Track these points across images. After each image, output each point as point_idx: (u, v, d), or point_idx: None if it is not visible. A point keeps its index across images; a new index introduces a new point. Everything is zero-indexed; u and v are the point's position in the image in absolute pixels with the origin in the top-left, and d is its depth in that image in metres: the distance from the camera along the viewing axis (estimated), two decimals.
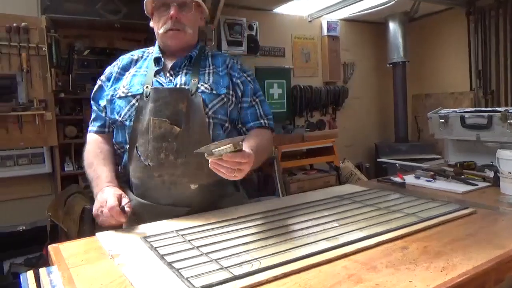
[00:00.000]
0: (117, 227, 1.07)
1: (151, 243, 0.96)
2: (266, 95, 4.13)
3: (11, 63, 2.45)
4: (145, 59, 1.31)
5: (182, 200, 1.19)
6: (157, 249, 0.92)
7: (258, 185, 3.34)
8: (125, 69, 1.29)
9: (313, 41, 4.55)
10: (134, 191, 1.22)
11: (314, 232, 1.00)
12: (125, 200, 1.07)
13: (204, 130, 1.19)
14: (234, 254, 0.87)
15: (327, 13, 4.33)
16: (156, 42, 1.32)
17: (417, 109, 4.97)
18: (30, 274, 0.86)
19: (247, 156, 0.97)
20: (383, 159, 3.23)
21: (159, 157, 1.15)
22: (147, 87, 1.19)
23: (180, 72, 1.24)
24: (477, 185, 1.53)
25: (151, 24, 1.31)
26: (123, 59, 1.32)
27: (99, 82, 1.32)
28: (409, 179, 1.68)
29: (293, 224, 1.09)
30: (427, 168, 1.81)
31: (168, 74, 1.23)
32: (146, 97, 1.17)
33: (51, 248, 0.97)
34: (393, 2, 4.02)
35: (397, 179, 1.70)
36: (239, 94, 1.29)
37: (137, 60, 1.31)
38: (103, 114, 1.29)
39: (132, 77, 1.24)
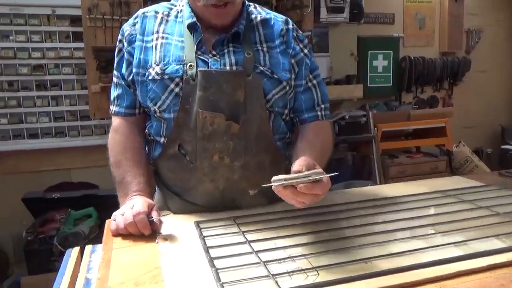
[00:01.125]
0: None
1: (202, 230, 0.86)
2: (369, 67, 3.73)
3: (114, 36, 2.58)
4: (175, 20, 0.99)
5: (239, 204, 1.00)
6: (205, 238, 0.81)
7: (352, 166, 3.06)
8: (150, 32, 0.97)
9: (430, 5, 3.92)
10: (175, 193, 1.02)
11: (399, 239, 0.78)
12: (155, 214, 0.86)
13: (264, 123, 0.96)
14: (289, 257, 0.71)
15: None
16: (186, 0, 0.99)
17: None
18: (75, 250, 0.83)
19: (326, 187, 0.73)
20: (510, 146, 2.65)
21: (212, 160, 0.93)
22: (191, 66, 0.91)
23: (226, 48, 0.95)
24: None
25: None
26: (144, 16, 0.99)
27: (119, 46, 1.01)
28: None
29: (374, 224, 0.88)
30: None
31: (210, 55, 0.94)
32: (193, 80, 0.91)
33: (108, 222, 0.93)
34: None
35: None
36: (303, 72, 1.03)
37: (162, 20, 0.99)
38: (131, 90, 1.01)
39: (165, 48, 0.95)
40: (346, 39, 3.62)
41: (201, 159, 0.93)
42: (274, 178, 0.73)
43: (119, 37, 1.01)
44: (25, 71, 2.66)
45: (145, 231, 0.83)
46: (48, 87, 2.74)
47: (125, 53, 1.00)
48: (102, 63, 2.56)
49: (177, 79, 0.92)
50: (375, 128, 3.16)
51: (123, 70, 1.00)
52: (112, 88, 1.05)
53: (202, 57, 0.93)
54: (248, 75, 0.92)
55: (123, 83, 1.01)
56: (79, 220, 2.46)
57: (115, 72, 1.02)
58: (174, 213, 1.00)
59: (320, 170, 0.73)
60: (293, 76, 1.01)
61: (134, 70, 0.97)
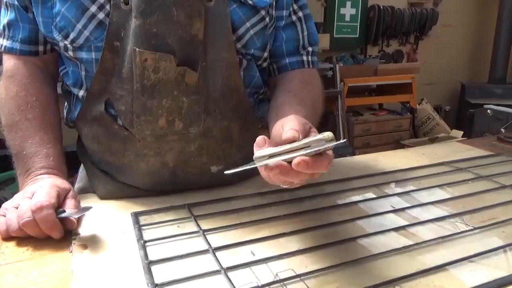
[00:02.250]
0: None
1: (142, 228, 0.58)
2: (336, 15, 3.44)
3: None
4: None
5: (194, 186, 0.73)
6: (146, 244, 0.53)
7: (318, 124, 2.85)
8: None
9: None
10: (105, 172, 0.71)
11: (427, 243, 0.55)
12: (70, 205, 0.58)
13: (233, 71, 0.66)
14: (277, 282, 0.45)
15: None
16: None
17: None
18: None
19: (330, 162, 0.45)
20: (492, 106, 2.55)
21: (157, 125, 0.63)
22: None
23: None
24: None
25: None
26: None
27: None
28: None
29: (383, 214, 0.64)
30: None
31: None
32: (126, 3, 0.60)
33: None
34: None
35: None
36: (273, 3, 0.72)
37: None
38: (29, 14, 0.67)
39: None
40: None
41: (140, 124, 0.63)
42: (257, 154, 0.47)
43: None
44: None
45: (53, 234, 0.55)
46: None
47: None
48: None
49: (101, 0, 0.60)
50: (342, 83, 2.93)
51: None
52: (2, 12, 0.69)
53: None
54: (210, 1, 0.62)
55: (16, 2, 0.66)
56: (1, 185, 2.07)
57: None
58: (102, 199, 0.71)
59: (320, 136, 0.45)
60: (273, 3, 0.71)
61: None
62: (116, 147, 0.67)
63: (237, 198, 0.69)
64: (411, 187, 0.76)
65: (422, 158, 0.94)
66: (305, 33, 0.78)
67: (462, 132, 3.17)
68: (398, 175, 0.83)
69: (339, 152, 1.89)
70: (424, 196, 0.72)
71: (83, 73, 0.66)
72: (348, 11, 3.48)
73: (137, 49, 0.59)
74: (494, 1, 3.86)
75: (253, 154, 0.48)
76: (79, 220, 0.59)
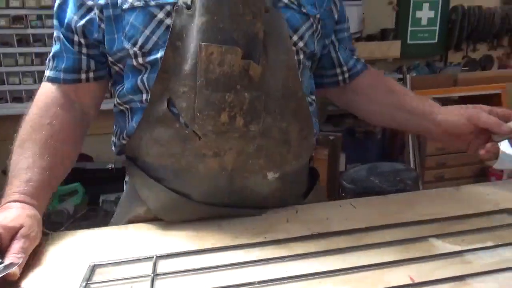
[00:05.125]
0: None
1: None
2: (410, 20, 3.12)
3: None
4: None
5: (249, 199, 0.72)
6: None
7: (381, 141, 2.59)
8: None
9: None
10: (159, 181, 0.71)
11: None
12: (14, 248, 0.53)
13: (292, 73, 0.70)
14: None
15: None
16: None
17: None
18: None
19: None
20: None
21: (219, 120, 0.64)
22: None
23: None
24: None
25: None
26: None
27: None
28: None
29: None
30: None
31: None
32: (188, 8, 0.65)
33: None
34: None
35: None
36: (335, 16, 0.80)
37: None
38: (74, 46, 0.72)
39: None
40: None
41: (202, 120, 0.65)
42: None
43: None
44: (3, 23, 2.34)
45: None
46: (31, 42, 2.41)
47: None
48: None
49: (168, 7, 0.66)
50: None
51: (69, 14, 0.71)
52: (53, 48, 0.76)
53: None
54: (266, 11, 0.67)
55: (61, 35, 0.73)
56: (64, 196, 2.22)
57: (55, 21, 0.74)
58: (154, 211, 0.71)
59: None
60: (318, 15, 0.76)
61: (100, 2, 0.68)
62: (175, 148, 0.68)
63: (215, 251, 0.58)
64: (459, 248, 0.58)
65: (478, 202, 0.73)
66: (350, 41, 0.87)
67: None
68: (439, 226, 0.64)
69: (398, 177, 1.65)
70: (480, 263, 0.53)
71: (146, 75, 0.68)
72: (425, 14, 3.13)
73: (203, 43, 0.63)
74: None
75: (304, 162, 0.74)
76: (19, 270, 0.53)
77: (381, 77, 0.89)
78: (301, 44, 0.72)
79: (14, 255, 0.52)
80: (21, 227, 0.56)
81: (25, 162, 0.65)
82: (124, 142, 0.75)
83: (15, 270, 0.51)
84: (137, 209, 0.73)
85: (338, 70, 0.85)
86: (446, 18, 3.18)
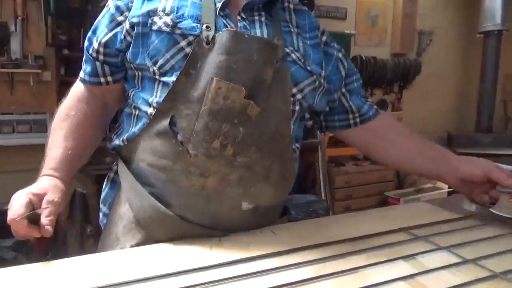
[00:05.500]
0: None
1: None
2: None
3: (3, 9, 2.04)
4: None
5: (220, 221, 0.76)
6: None
7: (297, 178, 2.73)
8: None
9: (383, 2, 3.73)
10: (145, 188, 0.77)
11: None
12: (47, 211, 0.67)
13: (285, 121, 0.79)
14: None
15: None
16: None
17: (508, 92, 3.99)
18: None
19: None
20: (465, 151, 2.47)
21: (211, 145, 0.71)
22: (208, 27, 0.75)
23: (255, 20, 0.82)
24: None
25: None
26: None
27: (108, 4, 0.85)
28: None
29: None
30: None
31: (239, 18, 0.80)
32: (207, 43, 0.73)
33: None
34: None
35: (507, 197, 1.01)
36: (343, 73, 0.92)
37: None
38: (95, 57, 0.84)
39: (179, 2, 0.79)
40: None
41: (196, 142, 0.72)
42: None
43: None
44: None
45: (33, 234, 0.65)
46: None
47: (110, 7, 0.83)
48: None
49: (191, 38, 0.75)
50: (322, 133, 2.85)
51: (100, 27, 0.83)
52: None
53: (224, 21, 0.78)
54: (277, 62, 0.76)
55: (88, 44, 0.85)
56: None
57: (91, 34, 0.86)
58: (136, 214, 0.78)
59: None
60: (323, 74, 0.87)
61: (133, 20, 0.78)
62: (168, 161, 0.74)
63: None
64: (357, 263, 0.63)
65: (382, 223, 0.81)
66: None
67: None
68: (347, 245, 0.69)
69: (311, 208, 1.74)
70: (365, 278, 0.58)
71: (158, 92, 0.77)
72: None
73: (216, 78, 0.71)
74: (477, 51, 3.90)
75: (282, 199, 0.82)
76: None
77: (396, 122, 0.98)
78: (299, 96, 0.82)
79: (45, 218, 0.65)
80: (45, 194, 0.69)
81: (53, 144, 0.80)
82: (122, 144, 0.82)
83: (49, 228, 0.64)
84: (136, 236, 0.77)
85: (351, 116, 0.93)
86: None
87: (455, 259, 0.65)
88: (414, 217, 0.85)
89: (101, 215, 0.91)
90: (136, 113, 0.82)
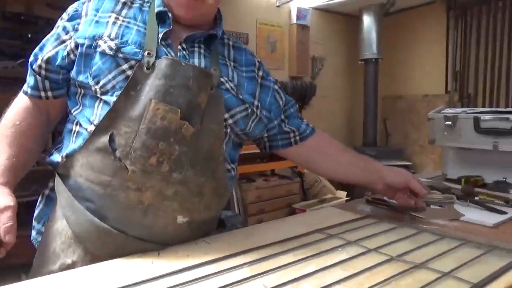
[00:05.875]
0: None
1: None
2: None
3: None
4: (139, 8, 0.89)
5: (157, 235, 0.79)
6: None
7: None
8: (107, 11, 0.86)
9: (280, 29, 4.07)
10: (82, 203, 0.77)
11: None
12: (4, 218, 0.70)
13: (218, 142, 0.85)
14: None
15: None
16: None
17: (387, 112, 4.65)
18: None
19: None
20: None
21: (148, 161, 0.76)
22: (149, 54, 0.81)
23: (195, 51, 0.88)
24: (506, 212, 1.10)
25: None
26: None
27: (58, 23, 0.89)
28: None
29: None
30: (431, 186, 1.35)
31: (180, 48, 0.87)
32: (148, 68, 0.79)
33: None
34: None
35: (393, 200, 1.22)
36: (280, 103, 1.02)
37: (124, 4, 0.88)
38: (37, 72, 0.87)
39: (124, 29, 0.84)
40: None
41: (134, 158, 0.76)
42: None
43: (64, 15, 0.90)
44: None
45: None
46: None
47: (59, 26, 0.88)
48: None
49: (133, 62, 0.81)
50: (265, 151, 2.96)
51: (47, 45, 0.88)
52: None
53: (165, 49, 0.84)
54: (212, 88, 0.84)
55: (34, 59, 0.88)
56: None
57: (38, 50, 0.89)
58: (73, 229, 0.78)
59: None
60: (256, 103, 0.95)
61: (78, 41, 0.83)
62: (105, 177, 0.76)
63: None
64: (288, 260, 0.72)
65: (299, 227, 0.91)
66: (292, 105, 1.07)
67: (345, 193, 3.40)
68: (275, 247, 0.78)
69: (229, 223, 1.81)
70: (298, 270, 0.66)
71: (98, 111, 0.80)
72: None
73: (154, 100, 0.76)
74: (360, 72, 4.47)
75: (213, 214, 0.88)
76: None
77: (330, 138, 1.09)
78: (230, 121, 0.88)
79: (3, 226, 0.69)
80: (11, 206, 0.72)
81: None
82: (61, 160, 0.83)
83: (9, 237, 0.67)
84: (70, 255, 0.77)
85: (291, 135, 1.04)
86: None
87: (362, 250, 0.78)
88: (324, 220, 0.98)
89: (34, 232, 0.89)
90: (77, 129, 0.84)
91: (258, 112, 0.95)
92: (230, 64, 0.93)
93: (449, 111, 1.54)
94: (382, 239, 0.85)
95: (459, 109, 1.55)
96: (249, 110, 0.92)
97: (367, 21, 4.17)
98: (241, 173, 3.07)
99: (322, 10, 4.36)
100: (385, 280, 0.64)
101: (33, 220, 0.90)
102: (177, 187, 0.78)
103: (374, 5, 4.07)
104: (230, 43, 0.98)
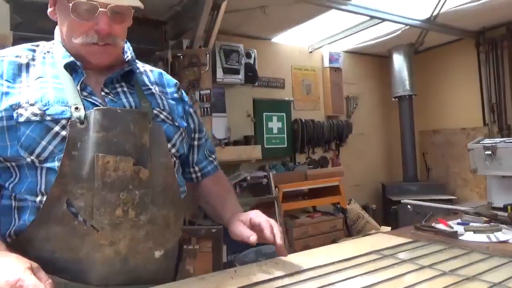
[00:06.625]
0: None
1: None
2: (265, 129, 3.79)
3: None
4: (43, 63, 0.86)
5: (140, 276, 0.82)
6: None
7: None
8: (12, 78, 0.81)
9: (314, 73, 4.29)
10: (55, 276, 0.72)
11: None
12: (43, 276, 0.65)
13: (170, 172, 0.88)
14: None
15: (328, 43, 4.11)
16: (57, 40, 0.89)
17: (425, 146, 4.65)
18: None
19: None
20: (407, 201, 2.83)
21: (114, 214, 0.76)
22: (76, 108, 0.78)
23: (119, 88, 0.89)
24: None
25: (50, 12, 0.88)
26: (4, 62, 0.82)
27: None
28: (456, 227, 1.28)
29: None
30: (478, 212, 1.41)
31: (103, 93, 0.85)
32: (81, 123, 0.77)
33: None
34: (398, 33, 3.83)
35: (441, 226, 1.30)
36: (192, 126, 1.05)
37: (27, 65, 0.84)
38: None
39: (41, 90, 0.80)
40: (242, 100, 3.67)
41: (99, 216, 0.75)
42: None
43: None
44: None
45: None
46: None
47: None
48: None
49: (63, 121, 0.78)
50: (276, 189, 3.10)
51: None
52: None
53: (90, 99, 0.83)
54: (149, 123, 0.85)
55: None
56: None
57: None
58: None
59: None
60: (189, 124, 1.02)
61: None
62: (74, 242, 0.75)
63: None
64: (351, 274, 0.83)
65: (353, 250, 1.02)
66: (208, 146, 1.09)
67: (390, 228, 3.40)
68: (336, 265, 0.89)
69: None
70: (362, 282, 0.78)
71: (43, 179, 0.77)
72: (275, 124, 3.86)
73: (100, 154, 0.75)
74: (394, 108, 4.56)
75: (179, 237, 0.93)
76: None
77: (219, 181, 1.09)
78: (173, 150, 0.91)
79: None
80: (32, 264, 0.67)
81: None
82: (9, 239, 0.78)
83: None
84: None
85: (192, 170, 1.05)
86: (290, 128, 3.97)
87: (416, 266, 0.87)
88: (376, 243, 1.06)
89: None
90: (17, 204, 0.79)
91: (185, 134, 0.98)
92: (156, 90, 0.94)
93: (487, 141, 1.62)
94: (433, 258, 0.93)
95: (497, 139, 1.63)
96: (183, 134, 0.96)
97: (398, 60, 4.32)
98: (285, 210, 3.17)
99: (353, 53, 4.57)
100: None
101: None
102: (147, 228, 0.80)
103: (403, 44, 4.23)
104: (146, 68, 1.00)
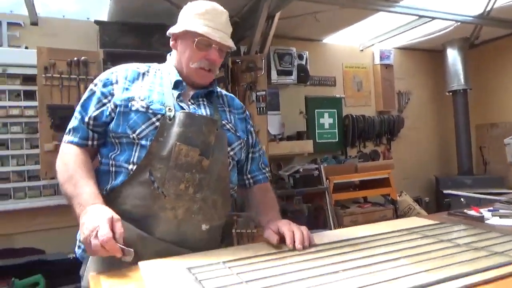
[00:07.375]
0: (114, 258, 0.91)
1: (196, 275, 0.86)
2: (316, 124, 4.01)
3: (70, 95, 2.58)
4: (154, 75, 1.18)
5: (188, 239, 1.07)
6: (202, 282, 0.82)
7: (308, 217, 3.16)
8: (132, 79, 1.14)
9: (365, 70, 4.41)
10: (131, 223, 1.01)
11: (379, 271, 0.85)
12: (118, 226, 0.89)
13: (225, 168, 1.14)
14: None
15: (379, 42, 4.20)
16: (171, 63, 1.22)
17: (482, 140, 4.58)
18: None
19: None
20: (450, 191, 2.93)
21: (178, 187, 1.04)
22: (169, 109, 1.08)
23: (201, 101, 1.18)
24: None
25: (173, 44, 1.21)
26: (128, 70, 1.16)
27: (91, 87, 1.14)
28: (486, 214, 1.44)
29: (355, 259, 0.94)
30: (508, 201, 1.57)
31: (189, 102, 1.15)
32: (170, 119, 1.06)
33: (92, 278, 0.90)
34: (451, 28, 3.81)
35: (472, 212, 1.48)
36: (250, 141, 1.30)
37: (143, 74, 1.17)
38: (87, 126, 1.10)
39: (149, 92, 1.11)
40: (295, 99, 3.91)
41: (168, 186, 1.03)
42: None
43: (94, 81, 1.15)
44: None
45: (118, 254, 0.88)
46: None
47: (96, 91, 1.12)
48: (57, 121, 2.51)
49: (159, 115, 1.07)
50: (327, 180, 3.33)
51: (90, 106, 1.11)
52: (71, 121, 1.15)
53: (180, 104, 1.13)
54: (217, 129, 1.12)
55: (81, 117, 1.12)
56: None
57: (78, 107, 1.13)
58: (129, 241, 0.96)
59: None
60: (249, 139, 1.27)
61: (116, 102, 1.08)
62: (148, 201, 1.03)
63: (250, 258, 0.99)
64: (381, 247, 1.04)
65: (386, 228, 1.25)
66: (262, 160, 1.33)
67: None
68: (369, 239, 1.13)
69: None
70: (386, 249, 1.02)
71: (136, 153, 1.05)
72: (326, 120, 4.07)
73: (178, 143, 1.04)
74: (447, 103, 4.52)
75: (225, 219, 1.17)
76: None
77: (266, 191, 1.29)
78: (231, 153, 1.18)
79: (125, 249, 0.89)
80: (114, 216, 0.91)
81: (83, 186, 1.01)
82: (105, 192, 1.06)
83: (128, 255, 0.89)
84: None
85: (245, 177, 1.29)
86: (341, 124, 4.15)
87: (435, 240, 1.07)
88: (411, 223, 1.28)
89: (79, 251, 1.11)
90: (114, 169, 1.08)
91: (244, 145, 1.24)
92: (226, 109, 1.23)
93: None
94: (454, 234, 1.13)
95: None
96: (242, 144, 1.22)
97: (452, 54, 4.28)
98: (336, 200, 3.39)
99: (404, 49, 4.59)
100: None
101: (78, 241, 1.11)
102: (200, 204, 1.06)
103: (457, 39, 4.19)
104: (223, 93, 1.29)
